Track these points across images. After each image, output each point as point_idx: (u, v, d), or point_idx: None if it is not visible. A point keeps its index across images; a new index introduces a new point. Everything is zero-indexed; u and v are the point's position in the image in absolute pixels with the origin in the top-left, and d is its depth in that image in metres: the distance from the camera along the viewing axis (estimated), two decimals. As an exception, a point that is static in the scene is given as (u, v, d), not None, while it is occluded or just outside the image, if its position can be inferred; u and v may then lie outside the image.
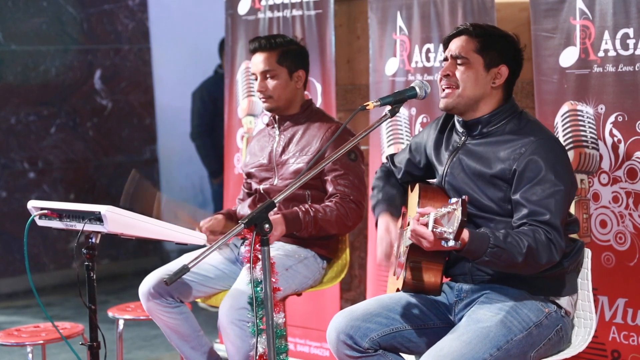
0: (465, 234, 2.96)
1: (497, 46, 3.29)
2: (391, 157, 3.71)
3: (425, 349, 3.30)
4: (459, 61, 3.28)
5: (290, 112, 4.15)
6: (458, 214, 2.79)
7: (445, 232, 2.83)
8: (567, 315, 3.29)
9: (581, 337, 3.35)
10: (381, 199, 3.56)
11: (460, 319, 3.26)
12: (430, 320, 3.34)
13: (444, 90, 3.30)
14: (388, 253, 3.39)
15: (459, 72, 3.27)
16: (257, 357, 3.46)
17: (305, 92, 4.97)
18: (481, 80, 3.27)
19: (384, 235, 3.40)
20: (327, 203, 3.95)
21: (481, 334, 3.08)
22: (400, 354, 3.34)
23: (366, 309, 3.33)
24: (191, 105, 7.36)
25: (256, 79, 4.12)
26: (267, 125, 4.27)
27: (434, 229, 2.86)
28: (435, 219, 2.87)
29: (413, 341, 3.31)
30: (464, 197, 2.83)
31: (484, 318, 3.14)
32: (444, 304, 3.37)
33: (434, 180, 3.55)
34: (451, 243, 2.82)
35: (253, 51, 4.13)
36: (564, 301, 3.27)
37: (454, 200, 2.84)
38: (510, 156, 3.20)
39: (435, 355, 3.03)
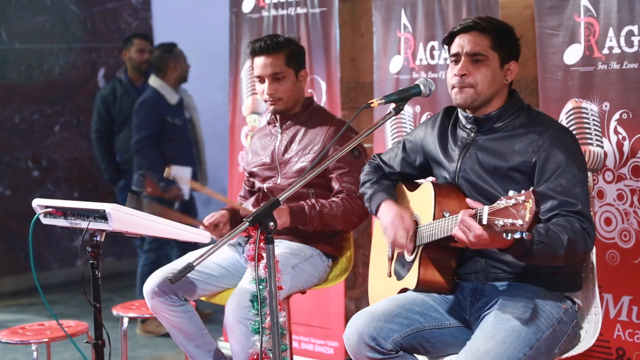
0: None
1: (507, 42, 3.27)
2: (379, 156, 3.68)
3: (442, 348, 3.29)
4: (477, 58, 3.23)
5: (293, 111, 4.14)
6: (530, 204, 2.75)
7: (514, 223, 2.77)
8: (579, 310, 3.30)
9: (586, 333, 3.35)
10: (379, 189, 3.51)
11: (478, 318, 3.24)
12: (447, 319, 3.32)
13: (460, 87, 3.24)
14: (401, 242, 3.34)
15: (476, 71, 3.23)
16: (261, 355, 3.47)
17: (310, 90, 4.98)
18: (497, 78, 3.25)
19: (397, 221, 3.34)
20: (333, 199, 3.95)
21: (514, 333, 3.07)
22: (415, 354, 3.32)
23: (386, 310, 3.27)
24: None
25: (262, 82, 4.07)
26: (269, 123, 4.26)
27: (493, 222, 2.81)
28: (490, 213, 2.84)
29: (430, 341, 3.29)
30: (532, 188, 2.79)
31: (512, 317, 3.12)
32: (458, 302, 3.35)
33: (431, 179, 3.53)
34: (517, 235, 2.77)
35: (258, 53, 4.04)
36: (577, 296, 3.29)
37: (513, 193, 2.80)
38: (528, 148, 3.19)
39: (472, 356, 3.01)
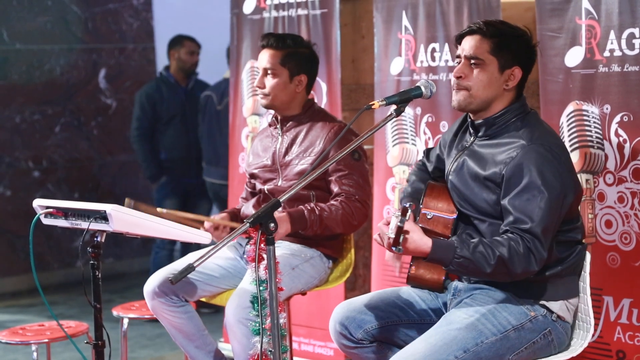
0: (428, 243, 3.00)
1: (511, 47, 3.25)
2: (427, 151, 3.70)
3: None
4: (472, 62, 3.24)
5: (292, 113, 4.14)
6: (395, 221, 2.85)
7: (390, 237, 2.88)
8: (559, 319, 3.24)
9: (576, 340, 3.33)
10: (407, 194, 3.57)
11: None
12: (428, 316, 3.37)
13: (457, 89, 3.26)
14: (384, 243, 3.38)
15: (472, 74, 3.23)
16: (262, 356, 3.47)
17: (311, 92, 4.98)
18: (494, 83, 3.24)
19: (381, 225, 3.37)
20: (332, 202, 3.95)
21: (449, 336, 3.08)
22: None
23: (364, 301, 3.39)
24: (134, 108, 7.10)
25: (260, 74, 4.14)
26: (270, 125, 4.26)
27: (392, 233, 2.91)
28: (396, 224, 2.90)
29: (409, 335, 3.34)
30: (409, 204, 2.87)
31: (456, 320, 3.15)
32: (444, 301, 3.39)
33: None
34: (393, 249, 2.90)
35: (263, 47, 4.13)
36: (555, 305, 3.23)
37: (400, 206, 2.87)
38: (504, 160, 3.17)
39: (399, 357, 3.07)
